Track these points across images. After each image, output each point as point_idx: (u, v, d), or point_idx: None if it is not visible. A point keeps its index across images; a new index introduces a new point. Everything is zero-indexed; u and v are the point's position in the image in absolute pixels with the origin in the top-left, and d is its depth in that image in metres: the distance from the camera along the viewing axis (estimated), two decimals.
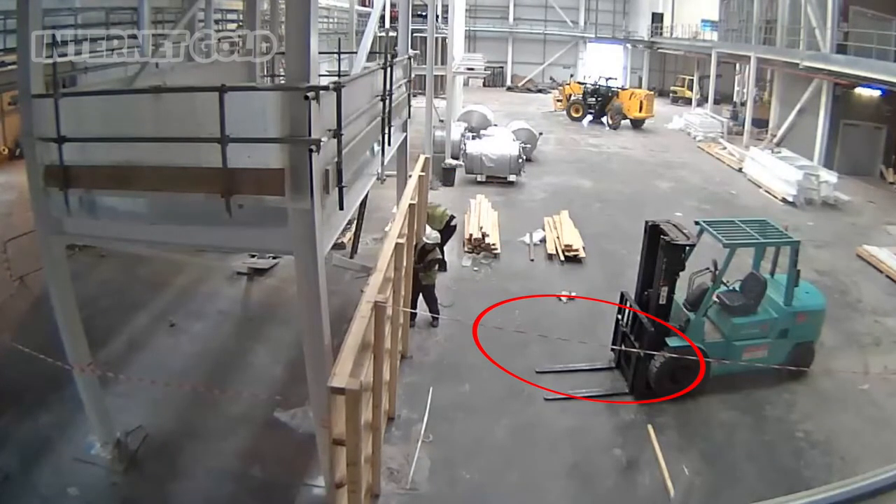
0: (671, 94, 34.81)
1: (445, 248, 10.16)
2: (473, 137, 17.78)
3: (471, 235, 11.62)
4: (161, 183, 4.53)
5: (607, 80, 26.92)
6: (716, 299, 7.63)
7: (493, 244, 11.53)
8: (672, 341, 7.18)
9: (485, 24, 39.53)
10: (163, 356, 7.83)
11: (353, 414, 4.00)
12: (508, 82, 39.99)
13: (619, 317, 8.00)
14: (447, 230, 10.09)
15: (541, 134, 20.15)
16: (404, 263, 6.59)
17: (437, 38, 15.74)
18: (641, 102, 25.46)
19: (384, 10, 15.20)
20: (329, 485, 4.45)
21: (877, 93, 17.62)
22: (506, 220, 13.00)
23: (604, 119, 26.21)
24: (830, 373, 7.84)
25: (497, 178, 16.19)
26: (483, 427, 6.81)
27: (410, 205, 7.18)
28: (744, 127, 23.30)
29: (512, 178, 16.20)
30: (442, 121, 17.02)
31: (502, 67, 39.98)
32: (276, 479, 5.86)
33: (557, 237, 12.06)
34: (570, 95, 27.57)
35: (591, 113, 26.66)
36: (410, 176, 8.31)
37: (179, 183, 4.51)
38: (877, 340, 8.89)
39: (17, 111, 5.26)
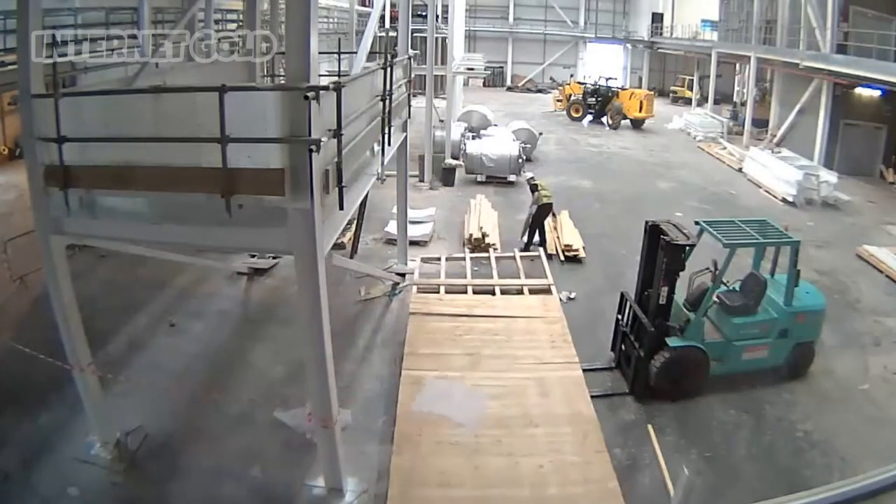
0: (671, 94, 34.80)
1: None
2: (473, 137, 17.77)
3: (471, 235, 11.60)
4: (161, 183, 4.53)
5: (607, 80, 26.89)
6: (716, 299, 7.62)
7: (494, 244, 11.52)
8: (672, 342, 7.18)
9: (485, 24, 39.51)
10: (163, 356, 7.82)
11: None
12: (508, 82, 39.97)
13: (619, 317, 8.00)
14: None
15: (541, 134, 20.14)
16: None
17: (437, 38, 15.75)
18: (641, 102, 25.44)
19: (384, 10, 15.20)
20: None
21: (877, 93, 17.61)
22: (506, 221, 12.98)
23: (604, 119, 26.17)
24: (830, 373, 7.84)
25: (497, 178, 16.19)
26: None
27: None
28: (744, 127, 23.30)
29: (512, 178, 16.20)
30: (442, 121, 17.01)
31: (502, 67, 39.97)
32: (276, 479, 5.86)
33: (557, 237, 12.05)
34: (570, 95, 27.54)
35: (591, 113, 26.63)
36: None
37: (179, 183, 4.52)
38: (877, 340, 8.88)
39: (17, 111, 5.25)
